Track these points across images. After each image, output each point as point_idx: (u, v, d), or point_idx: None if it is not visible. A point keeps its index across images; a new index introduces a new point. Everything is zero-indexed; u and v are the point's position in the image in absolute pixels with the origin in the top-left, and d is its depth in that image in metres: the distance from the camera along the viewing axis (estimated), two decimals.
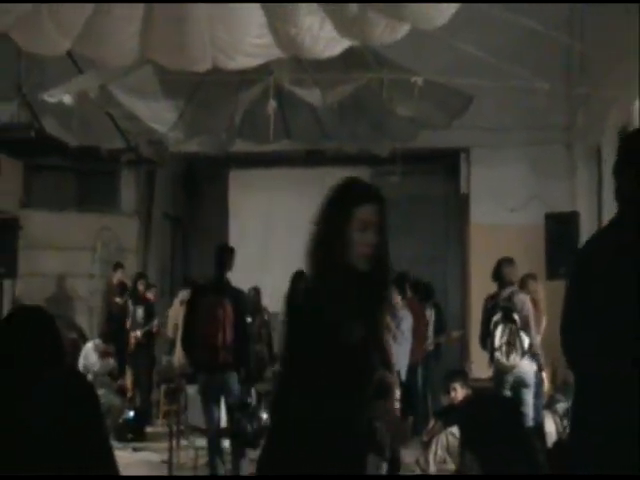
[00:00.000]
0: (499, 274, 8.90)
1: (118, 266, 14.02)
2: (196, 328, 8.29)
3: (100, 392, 8.61)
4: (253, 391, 9.58)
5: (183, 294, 12.06)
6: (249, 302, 10.80)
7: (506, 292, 8.84)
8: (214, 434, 8.33)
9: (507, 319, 8.65)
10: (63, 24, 7.40)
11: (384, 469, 5.88)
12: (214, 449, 8.31)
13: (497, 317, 8.73)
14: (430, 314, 12.26)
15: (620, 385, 3.33)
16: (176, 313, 12.07)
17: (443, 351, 12.73)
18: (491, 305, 9.03)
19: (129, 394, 12.67)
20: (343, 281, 3.22)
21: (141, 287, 13.46)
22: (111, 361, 12.47)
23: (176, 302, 12.80)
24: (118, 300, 13.50)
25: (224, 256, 8.53)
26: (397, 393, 6.04)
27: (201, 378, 8.41)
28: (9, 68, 11.60)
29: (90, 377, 10.94)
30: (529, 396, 8.63)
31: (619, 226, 3.50)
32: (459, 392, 9.52)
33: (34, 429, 2.86)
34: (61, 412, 2.90)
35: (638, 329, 3.30)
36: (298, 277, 8.94)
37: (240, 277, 8.88)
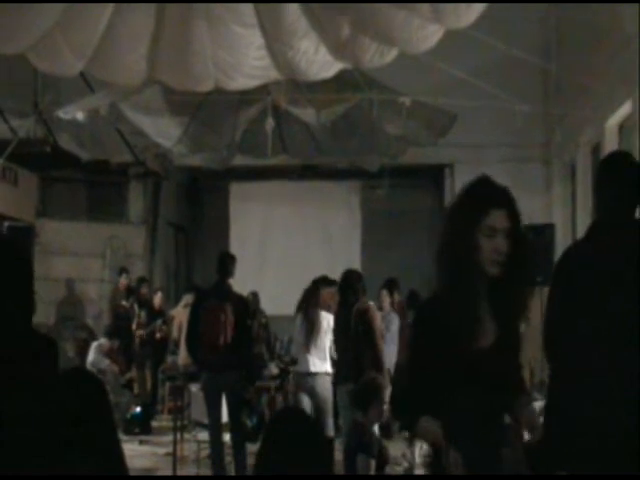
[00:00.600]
0: None
1: (123, 271, 13.99)
2: (200, 330, 8.26)
3: None
4: (252, 389, 9.57)
5: (187, 298, 12.03)
6: (250, 306, 10.75)
7: None
8: (216, 428, 8.32)
9: None
10: (76, 47, 7.39)
11: (372, 466, 5.82)
12: (216, 443, 8.29)
13: None
14: None
15: (593, 383, 3.33)
16: (180, 316, 12.02)
17: None
18: None
19: (136, 391, 12.62)
20: (471, 286, 2.94)
21: (144, 290, 13.43)
22: (107, 362, 12.29)
23: (180, 305, 12.77)
24: (125, 303, 13.47)
25: (226, 263, 8.50)
26: (387, 395, 5.96)
27: (204, 376, 8.38)
28: (26, 87, 11.59)
29: None
30: None
31: (598, 237, 3.51)
32: None
33: (38, 426, 2.81)
34: (71, 410, 2.87)
35: (614, 332, 3.30)
36: (316, 285, 8.75)
37: (240, 282, 8.85)
